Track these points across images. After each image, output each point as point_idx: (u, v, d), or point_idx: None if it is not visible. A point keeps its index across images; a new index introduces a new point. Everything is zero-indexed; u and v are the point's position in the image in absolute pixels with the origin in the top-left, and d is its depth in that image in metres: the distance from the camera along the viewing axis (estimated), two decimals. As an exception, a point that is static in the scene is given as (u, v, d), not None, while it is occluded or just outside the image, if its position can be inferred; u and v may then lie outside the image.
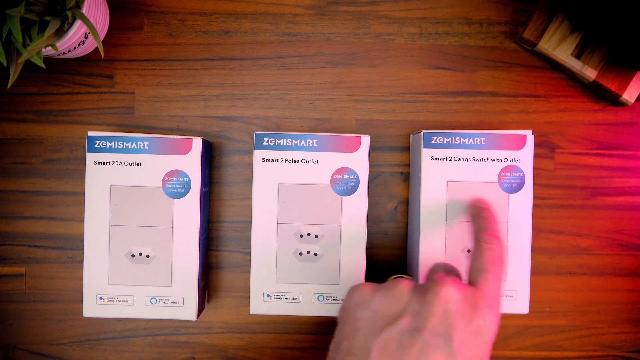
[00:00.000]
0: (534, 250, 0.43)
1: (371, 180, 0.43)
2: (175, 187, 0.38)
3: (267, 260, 0.38)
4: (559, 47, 0.41)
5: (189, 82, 0.42)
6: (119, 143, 0.38)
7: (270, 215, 0.38)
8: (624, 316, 0.43)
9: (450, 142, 0.38)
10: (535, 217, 0.43)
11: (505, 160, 0.38)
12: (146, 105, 0.42)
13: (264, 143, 0.38)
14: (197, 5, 0.42)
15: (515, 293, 0.38)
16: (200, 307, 0.39)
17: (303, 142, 0.38)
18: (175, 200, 0.38)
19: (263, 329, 0.43)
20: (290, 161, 0.38)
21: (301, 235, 0.38)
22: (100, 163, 0.38)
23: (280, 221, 0.38)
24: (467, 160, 0.38)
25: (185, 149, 0.38)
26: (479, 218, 0.34)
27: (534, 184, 0.43)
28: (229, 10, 0.42)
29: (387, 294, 0.29)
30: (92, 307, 0.38)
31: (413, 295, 0.29)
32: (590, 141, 0.43)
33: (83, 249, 0.39)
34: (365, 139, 0.38)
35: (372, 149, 0.43)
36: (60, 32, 0.35)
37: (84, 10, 0.35)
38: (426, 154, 0.38)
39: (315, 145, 0.38)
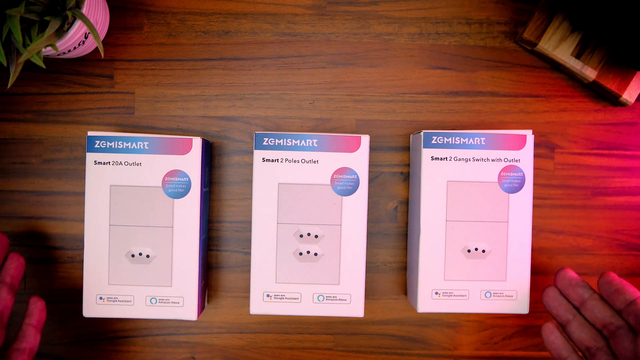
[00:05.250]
0: (534, 250, 0.43)
1: (371, 180, 0.43)
2: (175, 187, 0.38)
3: (267, 260, 0.38)
4: (559, 47, 0.41)
5: (189, 82, 0.42)
6: (119, 143, 0.38)
7: (270, 215, 0.38)
8: (624, 316, 0.43)
9: (450, 142, 0.38)
10: (535, 217, 0.43)
11: (505, 160, 0.38)
12: (146, 105, 0.42)
13: (264, 143, 0.38)
14: (197, 5, 0.42)
15: (515, 293, 0.39)
16: (200, 307, 0.39)
17: (303, 142, 0.38)
18: (175, 200, 0.38)
19: (263, 329, 0.43)
20: (290, 161, 0.38)
21: (301, 235, 0.38)
22: (100, 163, 0.38)
23: (280, 221, 0.38)
24: (467, 160, 0.38)
25: (185, 149, 0.38)
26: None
27: (534, 184, 0.43)
28: (229, 10, 0.42)
29: None
30: (92, 307, 0.38)
31: None
32: (590, 141, 0.43)
33: (83, 249, 0.39)
34: (365, 139, 0.38)
35: (372, 149, 0.43)
36: (60, 32, 0.35)
37: (84, 10, 0.35)
38: (426, 154, 0.38)
39: (315, 145, 0.38)
